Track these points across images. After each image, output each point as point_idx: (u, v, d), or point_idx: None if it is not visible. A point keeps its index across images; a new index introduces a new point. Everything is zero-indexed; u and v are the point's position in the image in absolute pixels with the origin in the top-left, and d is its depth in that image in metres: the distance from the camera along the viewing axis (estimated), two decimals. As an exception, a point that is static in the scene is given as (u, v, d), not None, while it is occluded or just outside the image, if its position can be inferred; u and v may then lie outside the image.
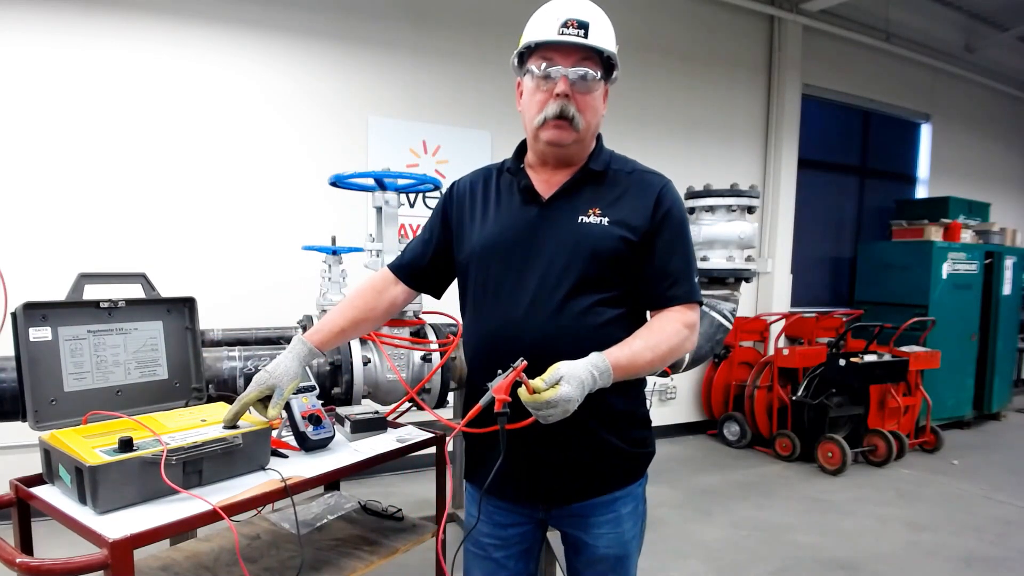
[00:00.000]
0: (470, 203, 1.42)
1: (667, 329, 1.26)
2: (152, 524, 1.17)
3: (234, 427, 1.42)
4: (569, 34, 1.23)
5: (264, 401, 1.39)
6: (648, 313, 1.36)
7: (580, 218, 1.29)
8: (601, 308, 1.27)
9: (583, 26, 1.23)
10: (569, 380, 1.11)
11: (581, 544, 1.39)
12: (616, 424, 1.32)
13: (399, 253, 1.62)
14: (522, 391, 1.10)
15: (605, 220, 1.28)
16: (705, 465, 4.70)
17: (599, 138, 1.39)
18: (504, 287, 1.31)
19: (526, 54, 1.29)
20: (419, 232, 1.55)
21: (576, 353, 1.17)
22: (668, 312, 1.30)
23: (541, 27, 1.27)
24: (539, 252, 1.29)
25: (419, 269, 1.51)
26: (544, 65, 1.26)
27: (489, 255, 1.34)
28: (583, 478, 1.33)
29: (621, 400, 1.31)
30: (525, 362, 1.11)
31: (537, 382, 1.11)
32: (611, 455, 1.33)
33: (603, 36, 1.26)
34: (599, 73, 1.27)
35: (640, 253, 1.28)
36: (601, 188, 1.32)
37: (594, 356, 1.17)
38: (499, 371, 1.13)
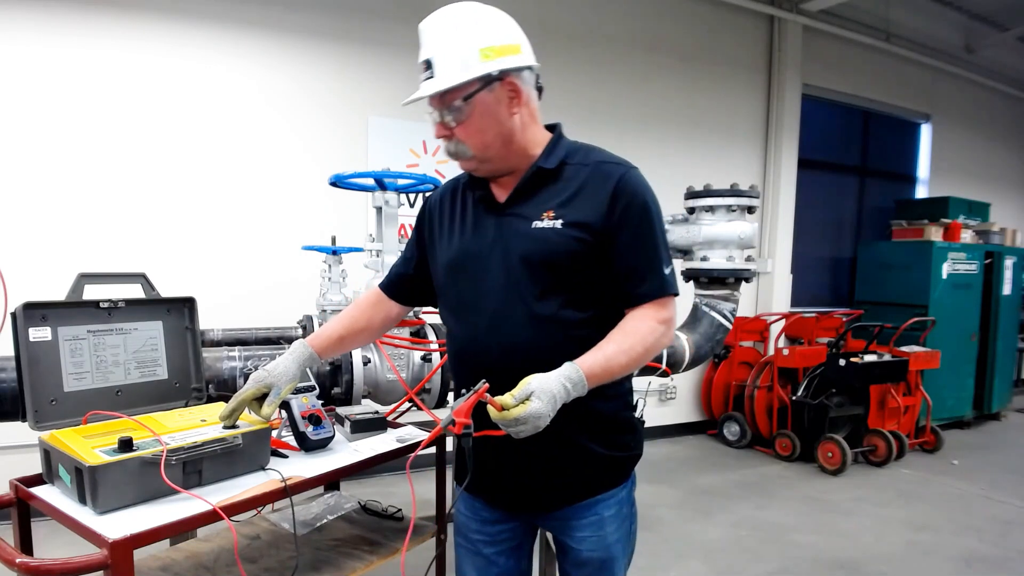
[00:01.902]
0: (439, 219, 1.41)
1: (641, 329, 1.22)
2: (152, 524, 1.17)
3: (233, 426, 1.42)
4: (423, 80, 1.21)
5: (261, 400, 1.40)
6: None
7: (535, 223, 1.24)
8: (568, 313, 1.24)
9: (429, 65, 1.20)
10: (540, 395, 1.08)
11: (565, 547, 1.38)
12: (597, 430, 1.30)
13: (399, 253, 1.62)
14: (490, 409, 1.09)
15: (559, 223, 1.23)
16: (705, 465, 4.70)
17: (557, 130, 1.34)
18: (469, 301, 1.30)
19: None
20: (403, 250, 1.57)
21: (547, 363, 1.14)
22: (640, 310, 1.24)
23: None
24: (497, 263, 1.26)
25: (405, 286, 1.52)
26: (428, 112, 1.25)
27: (455, 271, 1.34)
28: (564, 485, 1.32)
29: (602, 404, 1.27)
30: (486, 384, 1.09)
31: (506, 398, 1.08)
32: (592, 461, 1.31)
33: (450, 64, 1.18)
34: (468, 95, 1.19)
35: (601, 251, 1.23)
36: (556, 186, 1.27)
37: (567, 367, 1.14)
38: (463, 391, 1.11)
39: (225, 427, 1.42)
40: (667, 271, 1.27)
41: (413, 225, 1.53)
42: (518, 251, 1.25)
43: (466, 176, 1.37)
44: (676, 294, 1.28)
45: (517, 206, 1.28)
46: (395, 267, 1.55)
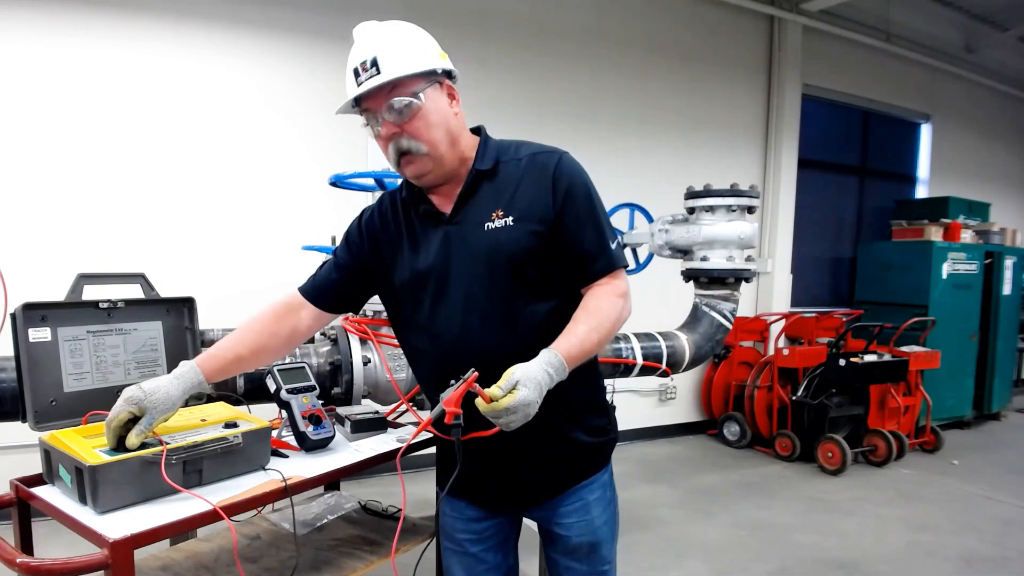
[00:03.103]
0: (384, 238, 1.39)
1: (603, 306, 1.25)
2: (152, 524, 1.17)
3: (118, 450, 1.24)
4: (363, 80, 1.21)
5: (134, 423, 1.24)
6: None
7: (487, 225, 1.26)
8: (533, 306, 1.26)
9: (374, 63, 1.20)
10: (526, 383, 1.09)
11: (553, 535, 1.40)
12: (575, 415, 1.32)
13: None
14: (479, 402, 1.08)
15: (509, 220, 1.25)
16: (705, 465, 4.70)
17: (482, 132, 1.36)
18: (436, 315, 1.30)
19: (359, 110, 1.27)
20: (328, 261, 1.48)
21: (522, 358, 1.15)
22: (597, 287, 1.28)
23: (347, 85, 1.25)
24: (457, 272, 1.27)
25: (332, 292, 1.44)
26: (367, 117, 1.26)
27: (415, 288, 1.33)
28: (548, 477, 1.35)
29: (577, 389, 1.29)
30: (476, 373, 1.09)
31: (493, 390, 1.08)
32: (573, 449, 1.34)
33: (398, 59, 1.20)
34: (417, 91, 1.21)
35: (553, 239, 1.26)
36: (496, 185, 1.29)
37: (546, 354, 1.15)
38: (451, 381, 1.11)
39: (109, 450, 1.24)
40: (614, 245, 1.30)
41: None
42: (476, 257, 1.26)
43: (403, 193, 1.38)
44: (626, 266, 1.33)
45: (463, 213, 1.29)
46: (322, 273, 1.46)
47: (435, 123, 1.24)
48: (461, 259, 1.27)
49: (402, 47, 1.22)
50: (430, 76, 1.23)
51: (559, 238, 1.26)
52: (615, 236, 1.32)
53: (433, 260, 1.30)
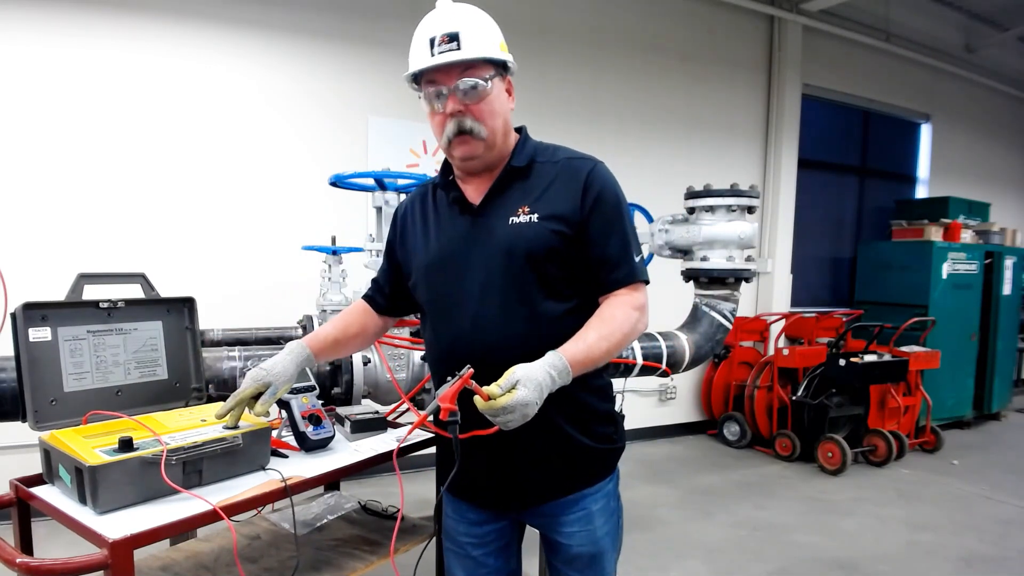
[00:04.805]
0: (411, 226, 1.44)
1: (618, 316, 1.25)
2: (152, 524, 1.17)
3: (234, 426, 1.42)
4: (441, 51, 1.21)
5: (257, 398, 1.39)
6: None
7: (511, 219, 1.28)
8: (548, 305, 1.27)
9: (453, 38, 1.21)
10: (525, 383, 1.09)
11: (554, 543, 1.39)
12: (579, 419, 1.32)
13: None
14: (477, 399, 1.08)
15: (535, 217, 1.26)
16: (705, 465, 4.70)
17: (523, 131, 1.38)
18: (450, 302, 1.32)
19: (417, 80, 1.28)
20: (381, 262, 1.59)
21: (530, 355, 1.15)
22: (615, 297, 1.28)
23: (416, 52, 1.26)
24: (476, 261, 1.29)
25: (387, 299, 1.55)
26: (431, 89, 1.25)
27: (432, 273, 1.35)
28: (549, 479, 1.34)
29: (582, 395, 1.30)
30: (471, 370, 1.09)
31: (492, 388, 1.08)
32: (575, 451, 1.33)
33: (477, 40, 1.23)
34: (488, 77, 1.24)
35: (576, 242, 1.27)
36: (528, 183, 1.31)
37: (551, 356, 1.15)
38: (448, 378, 1.11)
39: (225, 427, 1.42)
40: (637, 259, 1.31)
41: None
42: (496, 248, 1.27)
43: (437, 179, 1.41)
44: (647, 281, 1.33)
45: (491, 205, 1.31)
46: (375, 280, 1.58)
47: (498, 111, 1.27)
48: (481, 249, 1.29)
49: (483, 30, 1.25)
50: (501, 67, 1.27)
51: (583, 243, 1.27)
52: (640, 251, 1.33)
53: (455, 246, 1.32)
